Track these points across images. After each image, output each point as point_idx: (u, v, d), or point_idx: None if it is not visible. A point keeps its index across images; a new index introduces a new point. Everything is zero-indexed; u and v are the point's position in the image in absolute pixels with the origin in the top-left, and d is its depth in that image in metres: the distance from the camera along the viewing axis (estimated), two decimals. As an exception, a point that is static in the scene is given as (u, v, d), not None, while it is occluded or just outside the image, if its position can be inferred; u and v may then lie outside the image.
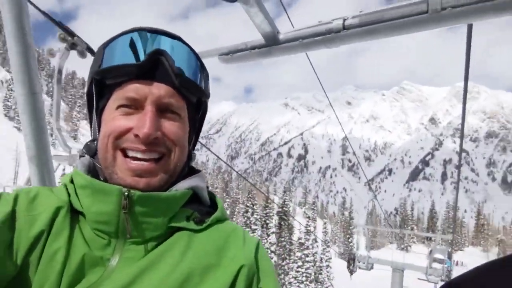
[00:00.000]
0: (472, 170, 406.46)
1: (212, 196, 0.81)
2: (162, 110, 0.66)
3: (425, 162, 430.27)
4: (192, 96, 0.72)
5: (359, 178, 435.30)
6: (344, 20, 1.40)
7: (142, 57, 0.64)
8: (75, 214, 0.68)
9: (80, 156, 0.75)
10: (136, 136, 0.63)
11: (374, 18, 1.34)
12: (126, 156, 0.65)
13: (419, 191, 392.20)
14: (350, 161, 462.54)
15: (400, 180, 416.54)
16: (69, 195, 0.69)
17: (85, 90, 0.73)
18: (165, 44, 0.68)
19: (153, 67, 0.65)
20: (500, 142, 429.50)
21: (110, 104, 0.68)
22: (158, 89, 0.65)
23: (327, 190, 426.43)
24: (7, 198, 0.66)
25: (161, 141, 0.66)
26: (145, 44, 0.66)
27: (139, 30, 0.68)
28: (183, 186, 0.71)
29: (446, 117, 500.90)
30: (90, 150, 0.72)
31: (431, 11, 1.22)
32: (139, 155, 0.64)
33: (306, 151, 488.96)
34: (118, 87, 0.66)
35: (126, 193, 0.62)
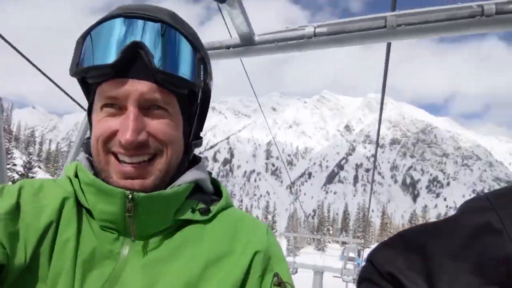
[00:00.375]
0: (379, 173, 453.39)
1: (216, 183, 0.80)
2: (147, 107, 0.63)
3: (340, 166, 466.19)
4: (180, 88, 0.66)
5: (282, 181, 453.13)
6: (315, 27, 1.52)
7: (115, 54, 0.59)
8: (80, 207, 0.67)
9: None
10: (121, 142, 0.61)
11: (339, 28, 1.49)
12: (117, 159, 0.64)
13: (335, 193, 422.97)
14: (273, 165, 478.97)
15: (318, 183, 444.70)
16: (73, 188, 0.68)
17: None
18: (146, 33, 0.61)
19: (132, 62, 0.60)
20: (401, 148, 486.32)
21: (95, 103, 0.66)
22: (140, 86, 0.61)
23: (251, 194, 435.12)
24: (11, 190, 0.64)
25: (149, 143, 0.63)
26: (122, 35, 0.60)
27: (118, 16, 0.62)
28: (185, 180, 0.70)
29: (359, 125, 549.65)
30: (88, 148, 0.69)
31: (388, 27, 1.41)
32: (127, 160, 0.63)
33: (232, 155, 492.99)
34: (99, 86, 0.63)
35: (130, 196, 0.61)
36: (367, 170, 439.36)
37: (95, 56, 0.60)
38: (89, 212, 0.67)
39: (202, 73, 0.68)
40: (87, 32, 0.63)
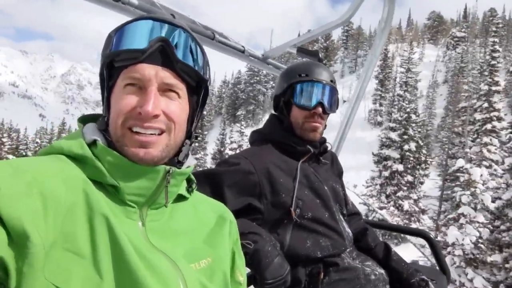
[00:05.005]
0: None
1: None
2: (164, 90, 0.74)
3: None
4: (191, 80, 0.79)
5: None
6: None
7: (146, 43, 0.72)
8: (98, 184, 0.71)
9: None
10: (139, 113, 0.71)
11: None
12: (131, 131, 0.73)
13: None
14: None
15: None
16: (95, 166, 0.71)
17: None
18: (168, 32, 0.75)
19: (156, 52, 0.73)
20: None
21: (118, 83, 0.75)
22: (162, 72, 0.73)
23: None
24: (23, 168, 0.63)
25: (161, 119, 0.73)
26: (150, 31, 0.73)
27: (146, 18, 0.76)
28: (192, 163, 0.85)
29: None
30: (102, 125, 0.78)
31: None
32: (141, 130, 0.72)
33: None
34: (125, 69, 0.73)
35: (169, 171, 0.74)
36: None
37: (127, 43, 0.73)
38: (102, 185, 0.72)
39: (207, 73, 0.83)
40: (118, 28, 0.75)
